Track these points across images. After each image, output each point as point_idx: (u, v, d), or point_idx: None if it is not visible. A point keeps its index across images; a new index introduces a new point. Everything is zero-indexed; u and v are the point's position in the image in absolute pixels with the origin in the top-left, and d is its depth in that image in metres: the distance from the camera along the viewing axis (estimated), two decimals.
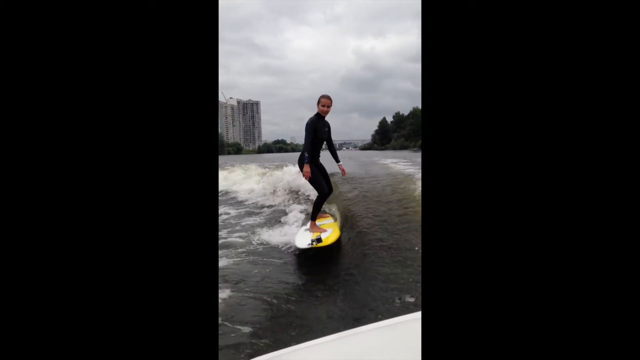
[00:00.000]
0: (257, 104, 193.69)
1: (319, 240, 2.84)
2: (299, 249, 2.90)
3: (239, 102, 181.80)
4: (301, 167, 3.16)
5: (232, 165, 10.54)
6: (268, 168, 8.52)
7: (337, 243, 3.07)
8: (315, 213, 3.32)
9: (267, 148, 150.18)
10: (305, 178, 3.12)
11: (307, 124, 3.12)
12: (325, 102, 3.13)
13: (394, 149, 69.53)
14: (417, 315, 0.68)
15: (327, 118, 3.21)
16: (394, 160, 11.47)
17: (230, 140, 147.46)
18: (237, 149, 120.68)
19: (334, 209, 4.23)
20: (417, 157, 14.38)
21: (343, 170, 3.60)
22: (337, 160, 3.55)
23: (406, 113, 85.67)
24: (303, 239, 2.93)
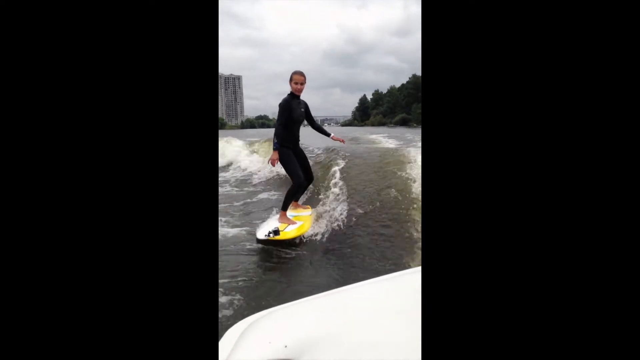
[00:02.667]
0: (239, 78, 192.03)
1: (276, 232, 2.64)
2: (257, 239, 2.65)
3: (220, 76, 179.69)
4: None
5: None
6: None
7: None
8: (286, 203, 2.97)
9: (250, 123, 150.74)
10: (272, 164, 2.90)
11: (279, 105, 2.85)
12: (298, 78, 2.84)
13: (373, 125, 74.21)
14: (417, 269, 0.69)
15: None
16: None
17: None
18: (220, 124, 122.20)
19: None
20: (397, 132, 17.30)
21: (340, 139, 3.42)
22: (328, 134, 3.33)
23: (386, 90, 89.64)
24: (264, 229, 2.73)
